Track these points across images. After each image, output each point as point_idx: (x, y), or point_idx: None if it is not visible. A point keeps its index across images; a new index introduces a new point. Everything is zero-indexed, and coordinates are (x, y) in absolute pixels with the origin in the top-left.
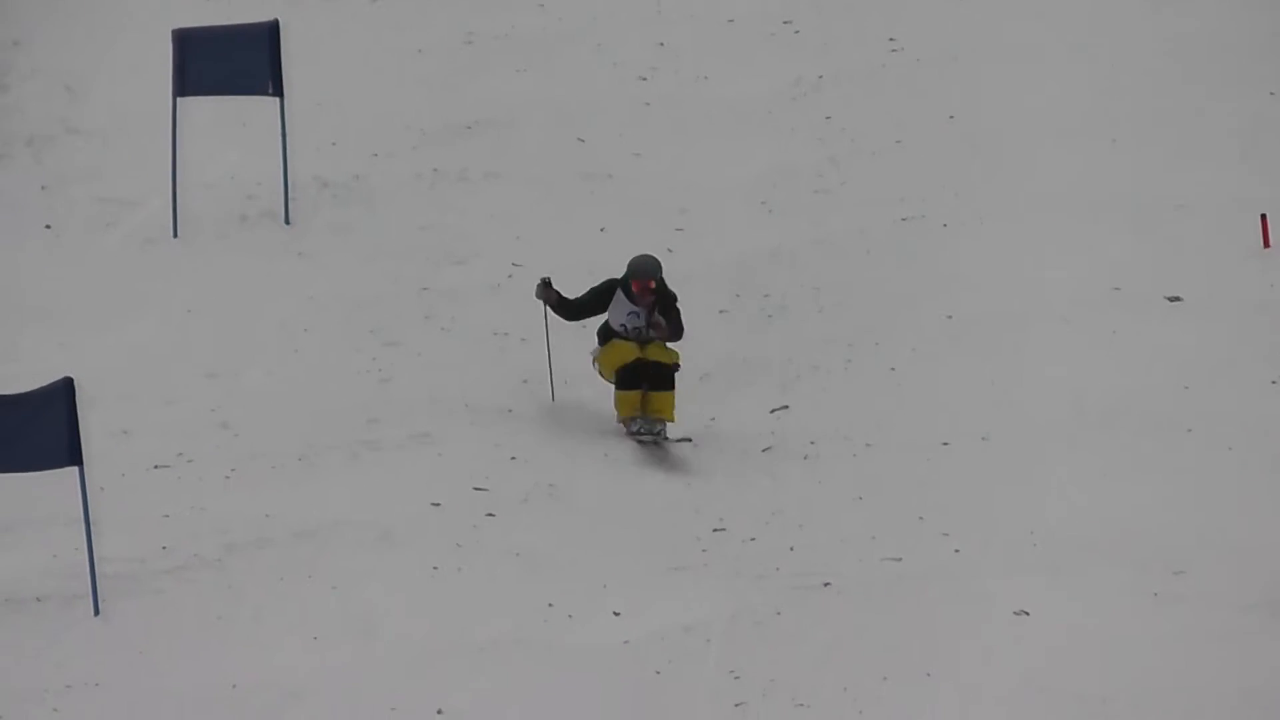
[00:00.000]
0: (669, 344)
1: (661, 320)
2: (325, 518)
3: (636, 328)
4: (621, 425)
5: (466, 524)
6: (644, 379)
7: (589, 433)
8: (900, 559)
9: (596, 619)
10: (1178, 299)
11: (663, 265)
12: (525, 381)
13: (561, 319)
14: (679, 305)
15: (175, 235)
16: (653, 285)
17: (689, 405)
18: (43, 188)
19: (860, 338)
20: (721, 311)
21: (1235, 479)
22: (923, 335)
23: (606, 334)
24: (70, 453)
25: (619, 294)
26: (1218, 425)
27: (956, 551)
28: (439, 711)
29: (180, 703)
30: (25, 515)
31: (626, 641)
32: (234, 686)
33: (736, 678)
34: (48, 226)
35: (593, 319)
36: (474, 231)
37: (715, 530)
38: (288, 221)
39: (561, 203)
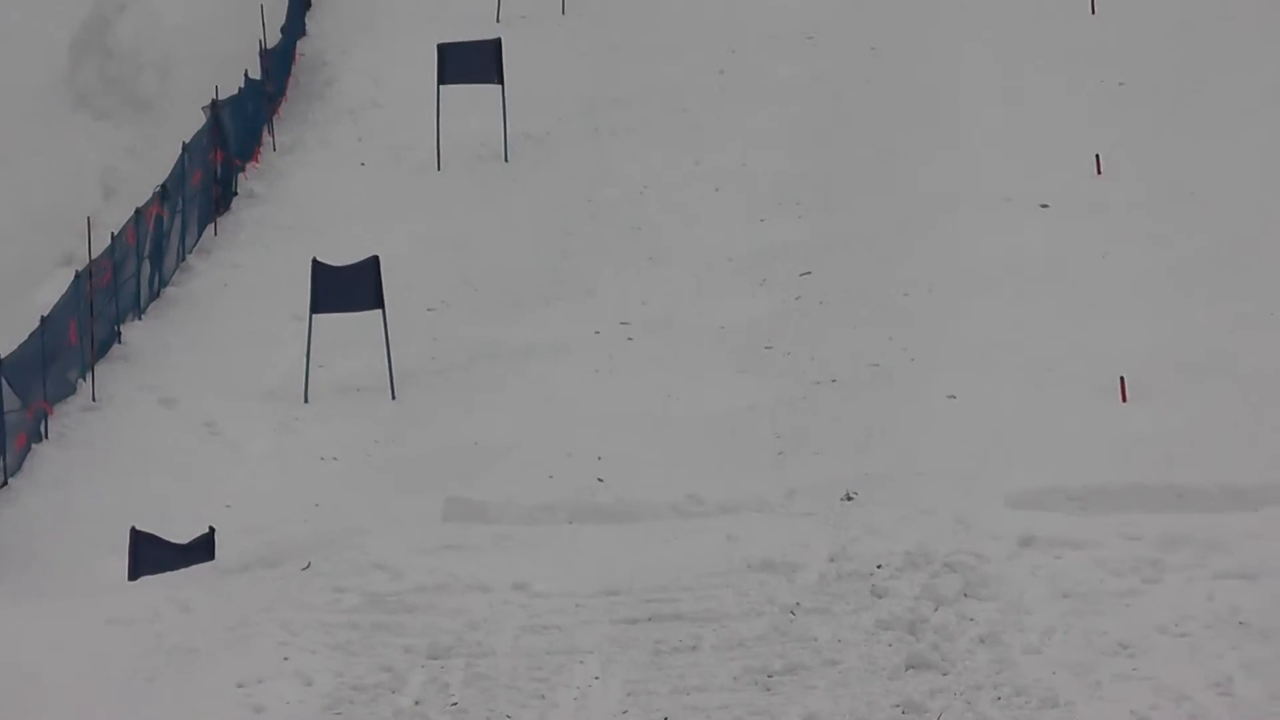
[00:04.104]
0: None
1: None
2: (529, 339)
3: None
4: None
5: (616, 344)
6: None
7: (692, 279)
8: (878, 364)
9: (694, 400)
10: (1046, 205)
11: None
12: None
13: None
14: None
15: (438, 169)
16: None
17: None
18: (359, 140)
19: (853, 237)
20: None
21: (1081, 319)
22: (893, 220)
23: None
24: (376, 299)
25: None
26: (1074, 282)
27: (912, 360)
28: (599, 458)
29: (444, 454)
30: (350, 337)
31: (712, 415)
32: (475, 442)
33: (778, 436)
34: (362, 163)
35: None
36: None
37: (766, 348)
38: (506, 160)
39: None
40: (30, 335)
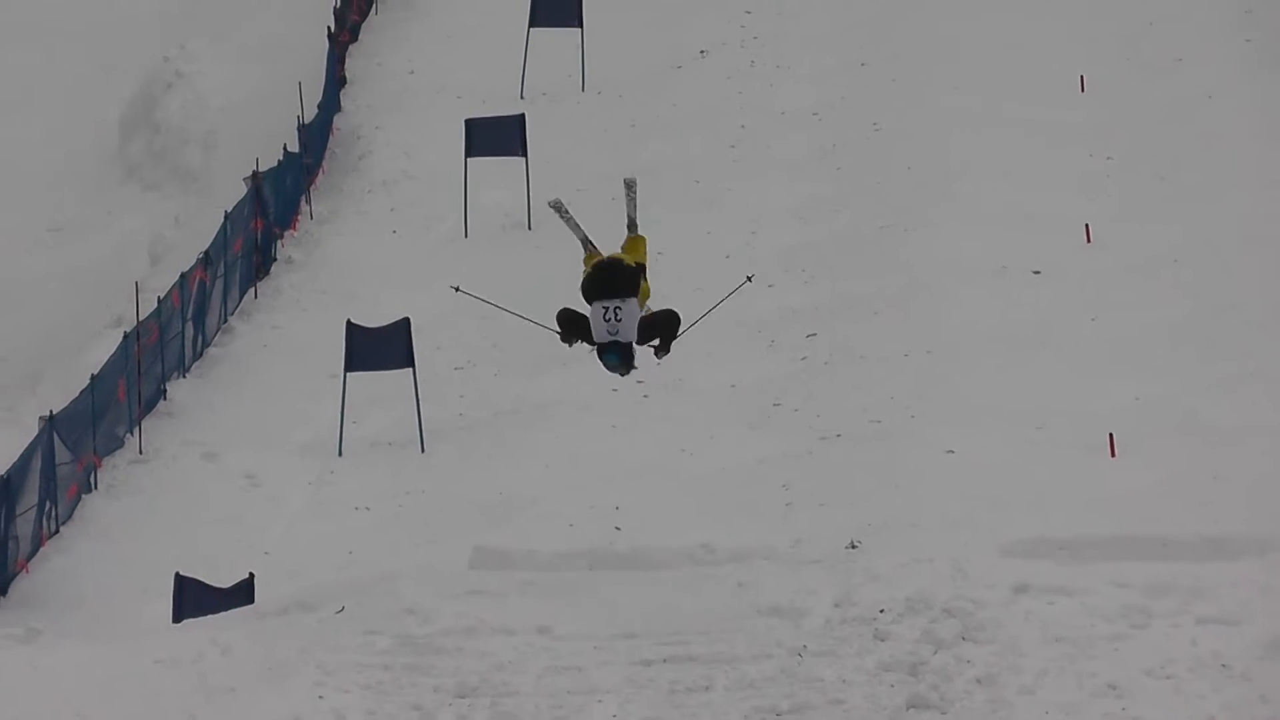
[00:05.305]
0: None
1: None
2: (550, 397)
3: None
4: None
5: (632, 401)
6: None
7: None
8: (880, 421)
9: (707, 454)
10: (1038, 272)
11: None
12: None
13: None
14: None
15: (466, 236)
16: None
17: None
18: (391, 209)
19: (857, 302)
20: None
21: (1072, 379)
22: (894, 286)
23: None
24: (407, 359)
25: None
26: (1065, 345)
27: (912, 417)
28: (617, 508)
29: (471, 504)
30: (382, 395)
31: (723, 468)
32: (500, 493)
33: (786, 488)
34: (394, 231)
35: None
36: None
37: (774, 405)
38: (530, 228)
39: None
40: (81, 393)
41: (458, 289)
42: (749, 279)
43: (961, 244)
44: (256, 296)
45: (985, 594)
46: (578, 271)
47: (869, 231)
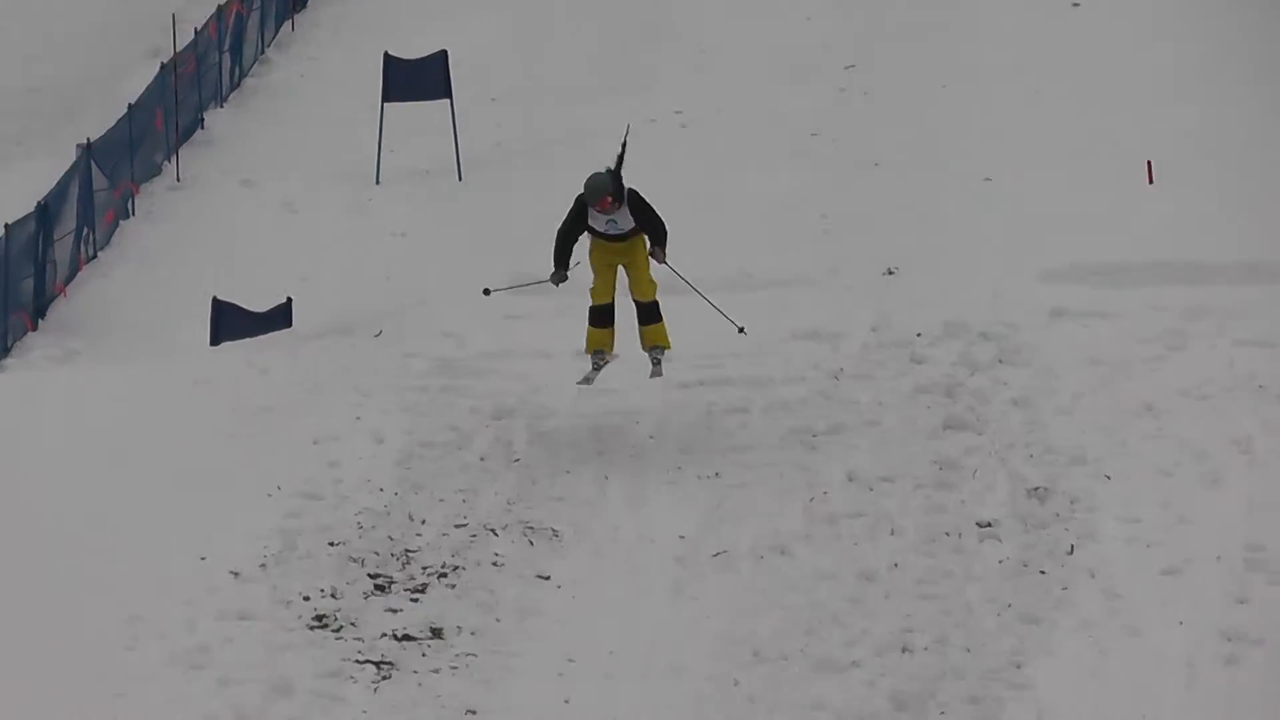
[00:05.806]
0: (655, 258)
1: (658, 250)
2: (586, 126)
3: (614, 233)
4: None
5: (672, 130)
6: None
7: (743, 72)
8: (918, 150)
9: (745, 183)
10: (1078, 4)
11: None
12: None
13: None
14: (649, 202)
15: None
16: (609, 200)
17: None
18: None
19: (894, 33)
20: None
21: (1112, 108)
22: (934, 16)
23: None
24: (445, 90)
25: (590, 210)
26: (1106, 75)
27: (950, 145)
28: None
29: (508, 230)
30: (419, 127)
31: (762, 197)
32: (537, 220)
33: (824, 216)
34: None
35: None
36: None
37: (813, 135)
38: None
39: None
40: (118, 121)
41: (488, 292)
42: (741, 330)
43: None
44: (294, 29)
45: (1022, 318)
46: (618, 8)
47: None
